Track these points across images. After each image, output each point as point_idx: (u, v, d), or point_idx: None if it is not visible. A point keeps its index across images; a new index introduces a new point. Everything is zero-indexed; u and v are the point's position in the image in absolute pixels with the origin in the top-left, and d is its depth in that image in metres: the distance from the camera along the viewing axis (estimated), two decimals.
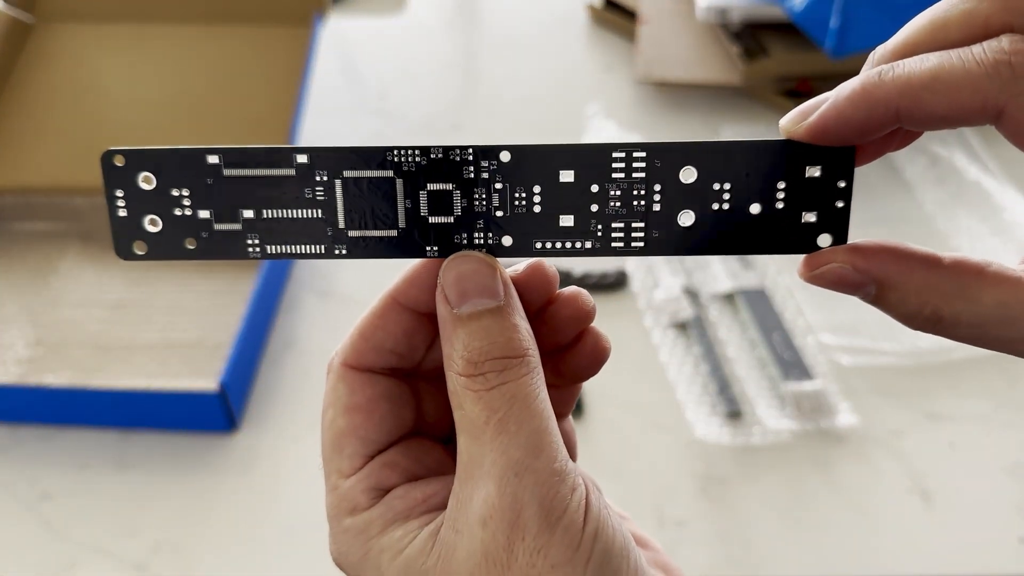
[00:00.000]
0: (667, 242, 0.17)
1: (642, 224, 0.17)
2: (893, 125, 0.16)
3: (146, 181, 0.17)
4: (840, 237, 0.18)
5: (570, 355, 0.19)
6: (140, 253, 0.17)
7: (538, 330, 0.18)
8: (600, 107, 0.61)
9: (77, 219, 0.55)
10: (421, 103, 0.67)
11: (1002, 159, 0.60)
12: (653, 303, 0.50)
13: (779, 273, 0.52)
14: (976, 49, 0.16)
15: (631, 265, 0.53)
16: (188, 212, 0.17)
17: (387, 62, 0.72)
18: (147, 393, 0.44)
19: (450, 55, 0.73)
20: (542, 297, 0.18)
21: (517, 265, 0.18)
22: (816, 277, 0.17)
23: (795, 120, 0.17)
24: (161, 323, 0.49)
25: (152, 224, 0.17)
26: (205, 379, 0.46)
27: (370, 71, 0.71)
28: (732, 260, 0.52)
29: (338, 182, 0.17)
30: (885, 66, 0.16)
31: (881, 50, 0.18)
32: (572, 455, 0.20)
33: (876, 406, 0.46)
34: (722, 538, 0.40)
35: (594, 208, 0.17)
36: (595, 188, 0.17)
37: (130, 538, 0.40)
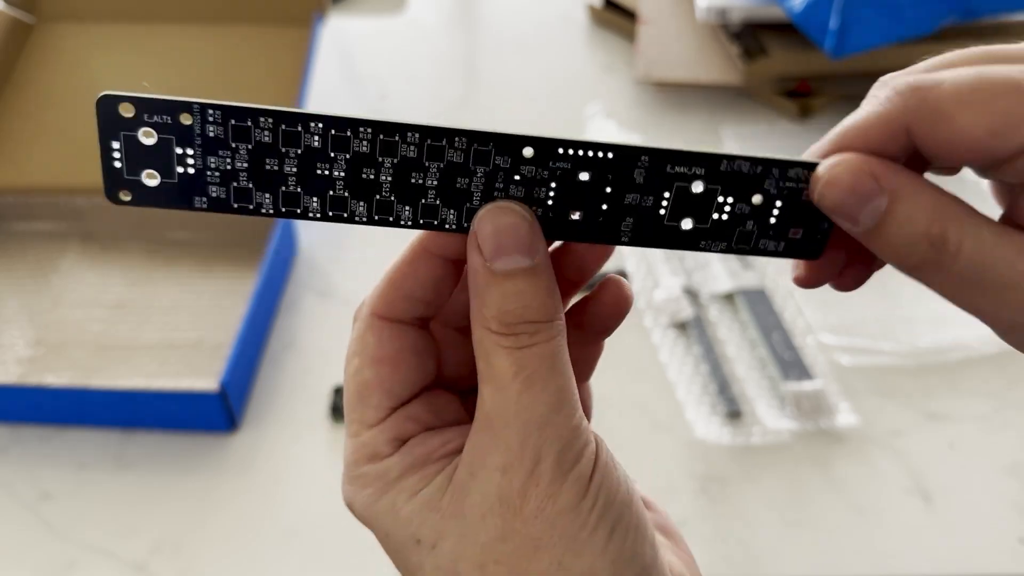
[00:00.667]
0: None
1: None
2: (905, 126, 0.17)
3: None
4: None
5: (592, 305, 0.20)
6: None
7: (560, 275, 0.18)
8: (600, 107, 0.61)
9: (78, 219, 0.55)
10: (421, 103, 0.67)
11: None
12: (653, 303, 0.50)
13: (779, 273, 0.52)
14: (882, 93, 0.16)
15: (631, 265, 0.53)
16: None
17: (387, 62, 0.72)
18: (147, 393, 0.44)
19: (450, 55, 0.73)
20: (593, 268, 0.19)
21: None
22: (829, 184, 0.16)
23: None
24: (161, 323, 0.49)
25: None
26: (205, 379, 0.46)
27: (370, 71, 0.71)
28: (732, 260, 0.52)
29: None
30: (933, 69, 0.16)
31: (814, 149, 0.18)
32: (588, 416, 0.21)
33: (876, 406, 0.46)
34: (722, 538, 0.40)
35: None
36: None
37: (130, 538, 0.40)
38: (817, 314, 0.50)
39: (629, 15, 0.72)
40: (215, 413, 0.43)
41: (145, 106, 0.16)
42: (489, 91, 0.70)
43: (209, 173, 0.17)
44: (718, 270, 0.52)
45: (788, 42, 0.62)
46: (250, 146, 0.17)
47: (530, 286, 0.16)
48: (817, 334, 0.48)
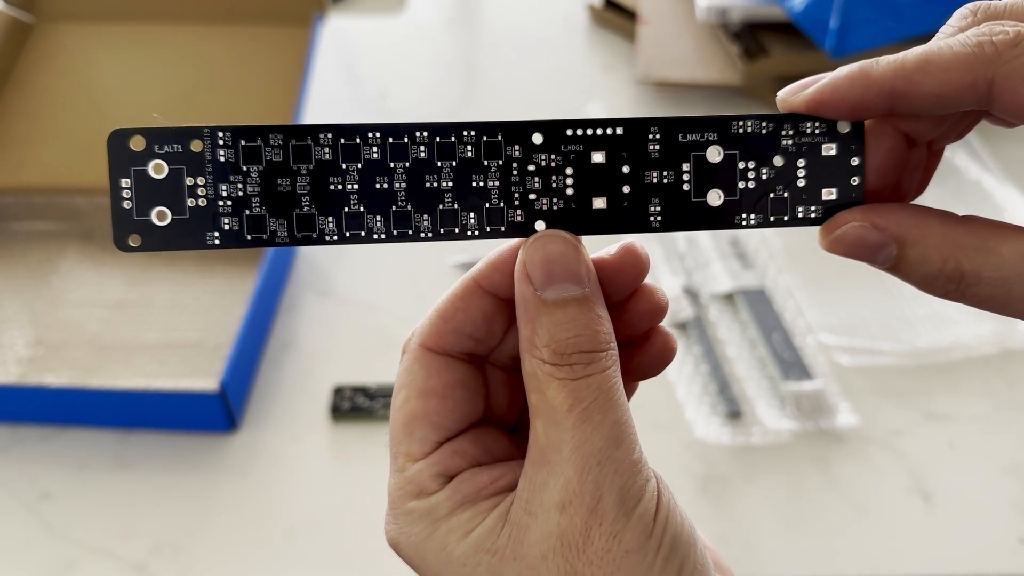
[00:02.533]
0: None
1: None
2: (886, 107, 0.17)
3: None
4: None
5: (638, 352, 0.19)
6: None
7: (615, 319, 0.18)
8: (600, 107, 0.61)
9: (77, 219, 0.55)
10: (421, 103, 0.68)
11: (1002, 159, 0.60)
12: None
13: (779, 273, 0.52)
14: (961, 36, 0.16)
15: None
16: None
17: (387, 62, 0.72)
18: (147, 393, 0.44)
19: (450, 55, 0.73)
20: (631, 284, 0.18)
21: (608, 247, 0.18)
22: (835, 241, 0.17)
23: (792, 92, 0.18)
24: (161, 323, 0.50)
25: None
26: (205, 379, 0.46)
27: (370, 71, 0.71)
28: (732, 260, 0.52)
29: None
30: (882, 57, 0.17)
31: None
32: None
33: (876, 406, 0.46)
34: (722, 537, 0.40)
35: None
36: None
37: (130, 538, 0.40)
38: (817, 314, 0.50)
39: (629, 15, 0.72)
40: (215, 413, 0.43)
41: (156, 137, 0.16)
42: (489, 91, 0.70)
43: (221, 203, 0.16)
44: (718, 270, 0.52)
45: (788, 42, 0.62)
46: (261, 167, 0.16)
47: (582, 314, 0.16)
48: (817, 334, 0.48)
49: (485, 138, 0.17)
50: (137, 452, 0.44)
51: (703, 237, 0.54)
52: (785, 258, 0.53)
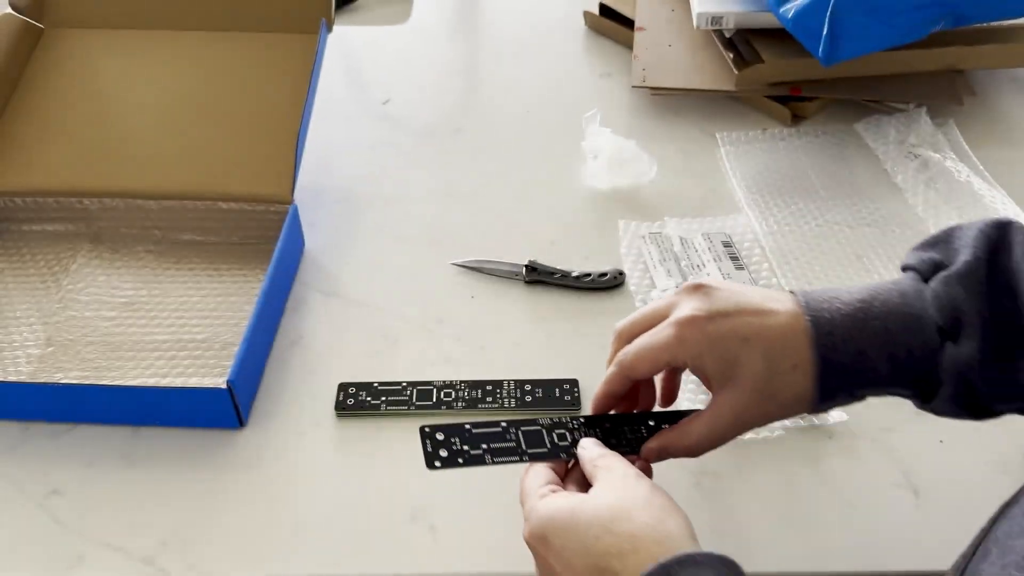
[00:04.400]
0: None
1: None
2: (631, 382, 0.36)
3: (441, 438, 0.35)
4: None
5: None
6: (438, 465, 0.34)
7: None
8: (597, 113, 0.62)
9: (87, 220, 0.56)
10: (424, 109, 0.69)
11: (991, 161, 0.61)
12: (649, 302, 0.51)
13: (771, 274, 0.53)
14: (661, 327, 0.34)
15: (627, 264, 0.54)
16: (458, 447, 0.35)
17: (391, 68, 0.73)
18: (156, 391, 0.45)
19: (452, 62, 0.75)
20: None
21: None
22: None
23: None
24: (170, 322, 0.50)
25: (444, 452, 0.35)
26: (214, 377, 0.47)
27: (374, 77, 0.72)
28: (726, 260, 0.54)
29: (520, 431, 0.36)
30: (621, 353, 0.35)
31: (617, 330, 0.37)
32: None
33: (867, 403, 0.46)
34: (715, 532, 0.41)
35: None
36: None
37: (139, 533, 0.41)
38: None
39: (626, 22, 0.74)
40: (223, 410, 0.44)
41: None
42: (489, 97, 0.71)
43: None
44: (712, 270, 0.53)
45: (781, 48, 0.64)
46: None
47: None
48: None
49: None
50: (146, 449, 0.44)
51: (697, 238, 0.55)
52: (778, 259, 0.54)
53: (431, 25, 0.78)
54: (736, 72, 0.64)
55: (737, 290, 0.34)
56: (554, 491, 0.32)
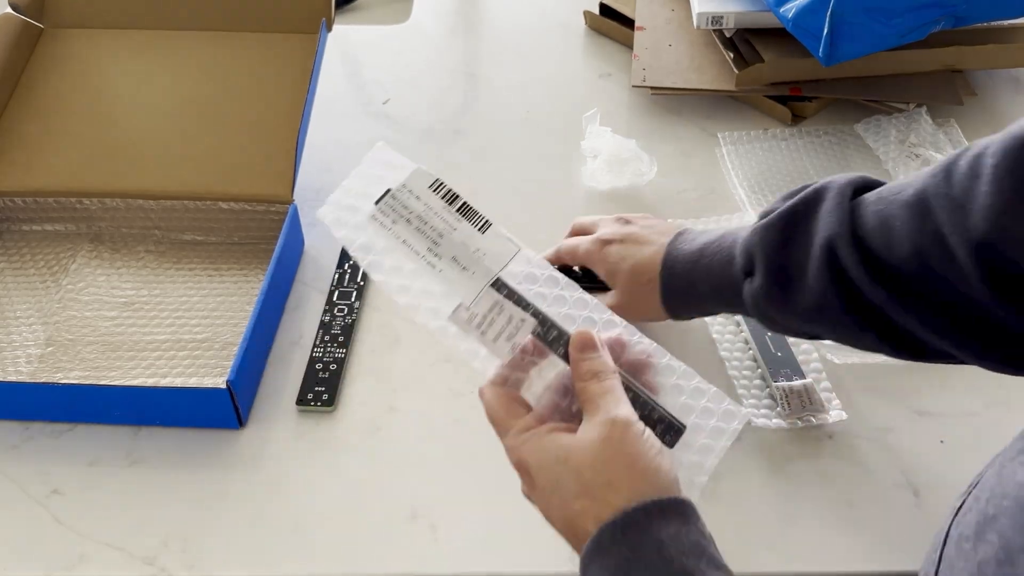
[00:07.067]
0: None
1: None
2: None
3: None
4: None
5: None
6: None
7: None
8: (597, 112, 0.62)
9: (87, 221, 0.56)
10: (424, 109, 0.69)
11: None
12: None
13: None
14: (584, 239, 0.48)
15: None
16: None
17: (391, 68, 0.73)
18: (156, 391, 0.45)
19: (452, 62, 0.75)
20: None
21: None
22: None
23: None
24: (170, 322, 0.50)
25: None
26: (213, 377, 0.47)
27: (374, 77, 0.72)
28: None
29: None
30: (561, 244, 0.49)
31: (572, 224, 0.50)
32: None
33: (866, 403, 0.47)
34: (714, 531, 0.41)
35: None
36: None
37: (139, 533, 0.41)
38: None
39: (626, 22, 0.74)
40: (223, 410, 0.44)
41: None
42: (489, 96, 0.71)
43: None
44: None
45: (782, 48, 0.64)
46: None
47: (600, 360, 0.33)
48: None
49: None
50: (146, 448, 0.44)
51: None
52: None
53: (431, 24, 0.78)
54: (736, 72, 0.64)
55: (641, 224, 0.47)
56: (538, 422, 0.32)
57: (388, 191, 0.34)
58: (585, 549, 0.29)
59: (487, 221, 0.35)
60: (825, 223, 0.36)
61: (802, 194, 0.39)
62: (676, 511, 0.29)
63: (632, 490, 0.29)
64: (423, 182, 0.34)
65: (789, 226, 0.38)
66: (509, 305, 0.33)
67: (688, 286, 0.43)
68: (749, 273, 0.40)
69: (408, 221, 0.34)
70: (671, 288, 0.43)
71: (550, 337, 0.33)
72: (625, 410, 0.31)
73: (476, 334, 0.33)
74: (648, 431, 0.31)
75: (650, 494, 0.29)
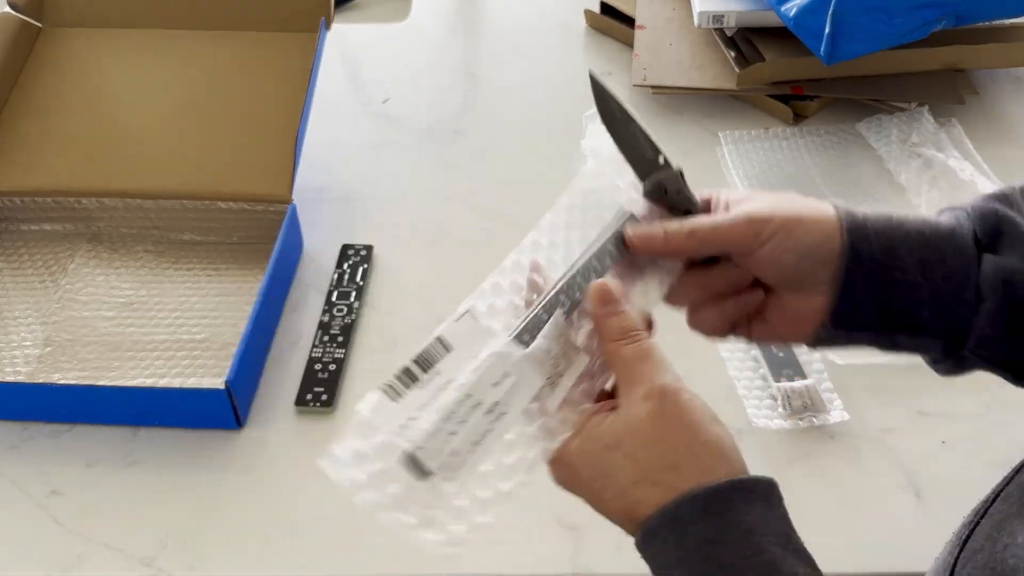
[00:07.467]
0: None
1: None
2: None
3: None
4: None
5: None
6: None
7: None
8: (597, 112, 0.62)
9: (86, 220, 0.55)
10: (424, 108, 0.69)
11: (993, 159, 0.61)
12: None
13: None
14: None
15: None
16: None
17: (390, 67, 0.73)
18: (155, 391, 0.45)
19: (452, 61, 0.74)
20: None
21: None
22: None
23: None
24: (169, 322, 0.50)
25: None
26: (212, 377, 0.47)
27: (373, 76, 0.72)
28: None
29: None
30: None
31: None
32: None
33: (868, 404, 0.46)
34: None
35: None
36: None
37: (138, 533, 0.41)
38: None
39: (626, 21, 0.73)
40: (221, 411, 0.44)
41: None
42: (489, 96, 0.71)
43: None
44: None
45: (783, 47, 0.63)
46: None
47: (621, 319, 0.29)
48: None
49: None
50: (145, 449, 0.44)
51: None
52: None
53: (430, 23, 0.78)
54: (737, 71, 0.64)
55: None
56: (581, 414, 0.28)
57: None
58: (652, 519, 0.25)
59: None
60: None
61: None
62: (761, 493, 0.26)
63: (700, 470, 0.26)
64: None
65: None
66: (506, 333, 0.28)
67: (884, 255, 0.28)
68: (990, 247, 0.28)
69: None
70: (860, 258, 0.28)
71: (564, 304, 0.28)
72: (670, 376, 0.27)
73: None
74: (698, 397, 0.27)
75: (722, 471, 0.26)
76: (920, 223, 0.29)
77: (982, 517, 0.27)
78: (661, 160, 0.31)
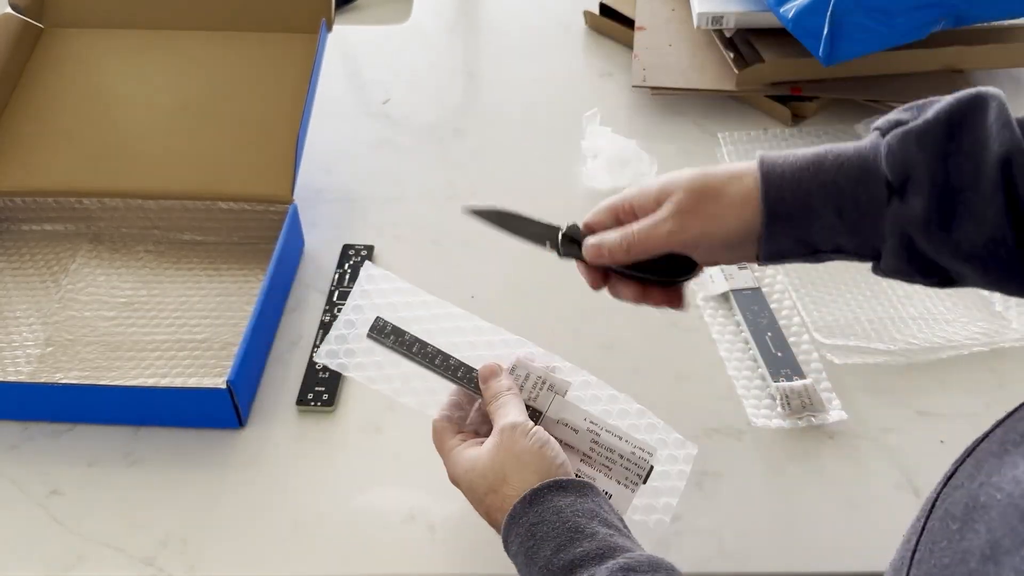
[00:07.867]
0: None
1: None
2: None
3: None
4: None
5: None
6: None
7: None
8: (597, 112, 0.62)
9: (87, 220, 0.55)
10: (424, 109, 0.69)
11: None
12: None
13: (775, 272, 0.53)
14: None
15: None
16: None
17: (391, 68, 0.73)
18: (156, 391, 0.45)
19: (452, 62, 0.75)
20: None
21: None
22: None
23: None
24: (170, 322, 0.50)
25: None
26: (213, 377, 0.47)
27: (374, 76, 0.72)
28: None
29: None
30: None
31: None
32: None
33: (867, 403, 0.47)
34: (716, 531, 0.41)
35: None
36: None
37: (138, 532, 0.41)
38: (812, 313, 0.51)
39: (626, 21, 0.73)
40: (223, 410, 0.44)
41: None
42: (489, 96, 0.71)
43: None
44: (714, 271, 0.53)
45: (782, 48, 0.63)
46: None
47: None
48: (811, 332, 0.49)
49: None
50: (146, 448, 0.44)
51: None
52: None
53: (431, 24, 0.78)
54: (736, 72, 0.64)
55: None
56: (463, 440, 0.38)
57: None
58: (503, 526, 0.34)
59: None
60: (997, 136, 0.30)
61: (955, 100, 0.32)
62: (572, 488, 0.33)
63: (521, 480, 0.34)
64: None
65: (951, 136, 0.31)
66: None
67: (802, 207, 0.33)
68: (899, 192, 0.31)
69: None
70: (778, 214, 0.33)
71: (470, 382, 0.39)
72: (513, 416, 0.36)
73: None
74: (535, 428, 0.35)
75: (542, 476, 0.34)
76: (836, 168, 0.33)
77: (968, 456, 0.28)
78: (554, 223, 0.40)
